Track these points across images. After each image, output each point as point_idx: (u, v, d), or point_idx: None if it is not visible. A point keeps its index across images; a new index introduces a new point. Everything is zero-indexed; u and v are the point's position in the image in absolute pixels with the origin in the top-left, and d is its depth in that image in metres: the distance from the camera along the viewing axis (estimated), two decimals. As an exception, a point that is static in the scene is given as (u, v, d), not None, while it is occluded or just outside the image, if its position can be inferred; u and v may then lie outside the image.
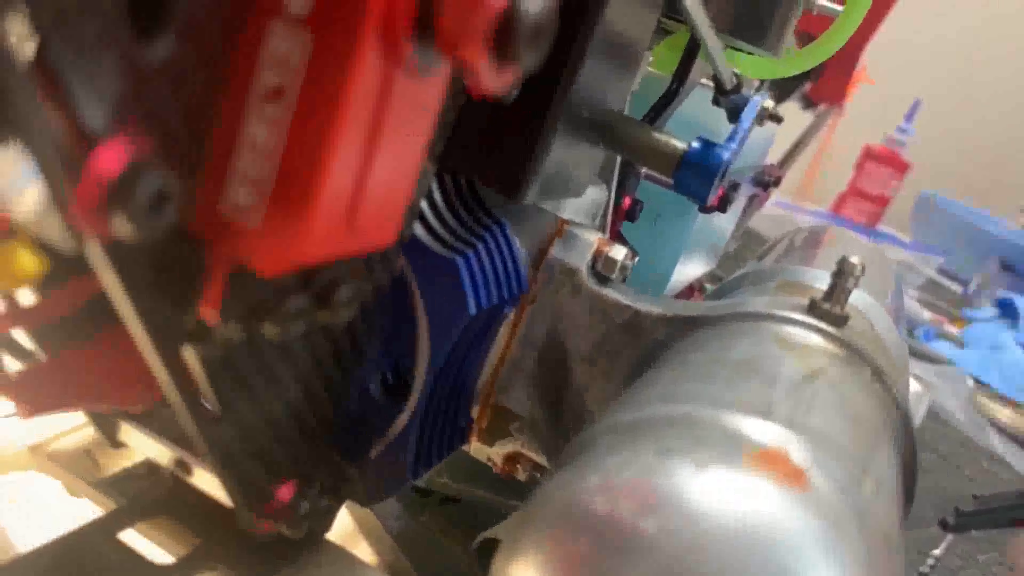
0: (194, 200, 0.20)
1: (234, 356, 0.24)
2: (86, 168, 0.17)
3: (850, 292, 0.36)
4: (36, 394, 0.27)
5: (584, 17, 0.31)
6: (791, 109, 1.43)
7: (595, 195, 0.47)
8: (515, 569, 0.23)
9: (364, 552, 0.60)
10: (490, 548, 0.57)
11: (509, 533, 0.24)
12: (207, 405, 0.25)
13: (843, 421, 0.28)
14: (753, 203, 1.01)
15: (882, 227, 2.43)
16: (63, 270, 0.24)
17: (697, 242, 0.67)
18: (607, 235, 0.52)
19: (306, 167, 0.19)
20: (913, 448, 0.34)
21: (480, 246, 0.34)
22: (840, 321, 0.35)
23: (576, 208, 0.46)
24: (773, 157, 1.42)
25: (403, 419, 0.34)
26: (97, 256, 0.19)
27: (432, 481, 0.63)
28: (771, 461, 0.23)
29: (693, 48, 0.51)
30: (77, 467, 0.36)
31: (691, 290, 0.79)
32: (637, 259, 0.58)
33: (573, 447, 0.27)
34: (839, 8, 0.68)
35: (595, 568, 0.21)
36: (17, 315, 0.26)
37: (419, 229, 0.32)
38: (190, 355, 0.23)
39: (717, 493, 0.22)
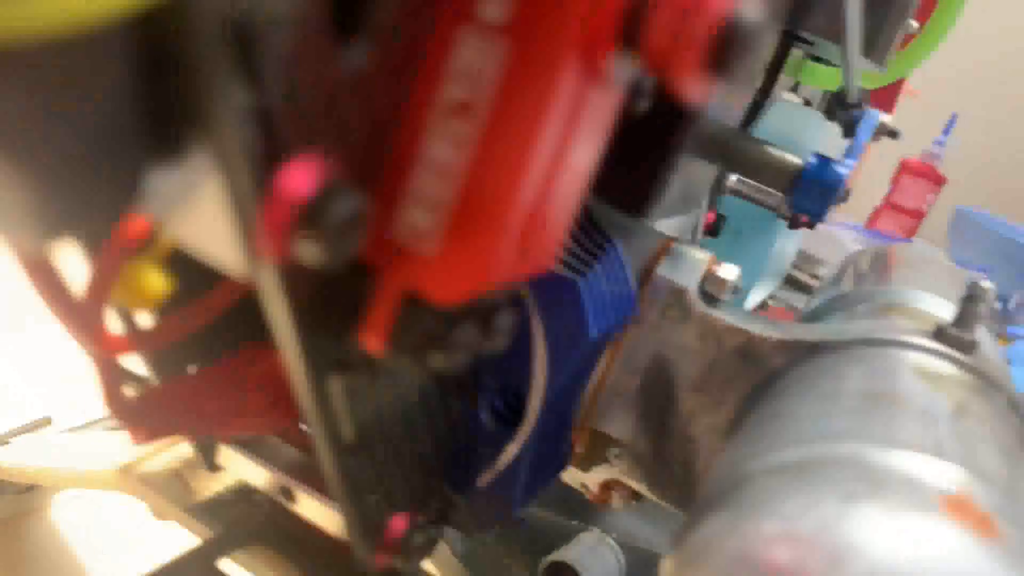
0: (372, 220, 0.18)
1: (375, 387, 0.23)
2: (275, 187, 0.15)
3: (980, 317, 0.34)
4: (151, 420, 0.25)
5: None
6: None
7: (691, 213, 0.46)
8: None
9: (430, 572, 0.58)
10: (556, 570, 0.55)
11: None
12: (345, 435, 0.23)
13: (1002, 459, 0.26)
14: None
15: (917, 241, 2.40)
16: (185, 293, 0.23)
17: (774, 258, 0.65)
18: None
19: (495, 188, 0.18)
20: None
21: (597, 266, 0.32)
22: (970, 347, 0.34)
23: (668, 225, 0.44)
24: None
25: (514, 448, 0.32)
26: (269, 281, 0.17)
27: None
28: (960, 509, 0.21)
29: (778, 61, 0.49)
30: (167, 489, 0.34)
31: (758, 312, 0.77)
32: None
33: (721, 486, 0.25)
34: (915, 24, 0.66)
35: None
36: (146, 336, 0.24)
37: (539, 248, 0.31)
38: (336, 384, 0.21)
39: (916, 547, 0.20)
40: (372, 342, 0.19)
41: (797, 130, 0.57)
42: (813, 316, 0.50)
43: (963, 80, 2.44)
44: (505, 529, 0.61)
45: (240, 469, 0.31)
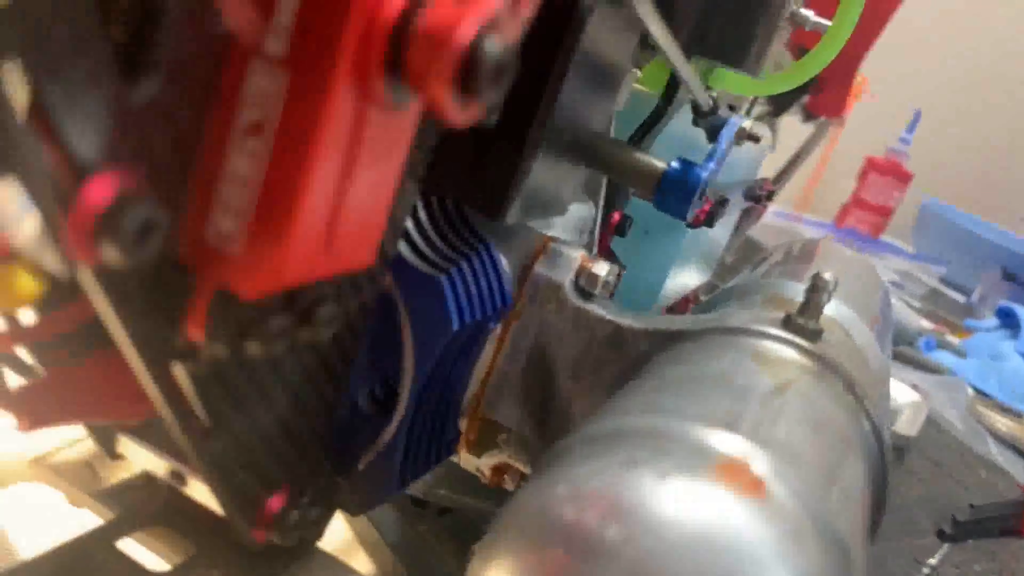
0: (181, 227, 0.21)
1: (224, 372, 0.26)
2: (77, 200, 0.18)
3: (823, 306, 0.37)
4: (36, 408, 0.28)
5: (562, 41, 0.32)
6: (791, 122, 1.45)
7: (582, 212, 0.49)
8: (490, 574, 0.24)
9: (362, 562, 0.61)
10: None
11: (483, 540, 0.25)
12: (199, 419, 0.26)
13: (808, 432, 0.29)
14: (750, 216, 1.02)
15: (885, 237, 2.44)
16: (61, 292, 0.26)
17: (690, 254, 0.68)
18: (595, 250, 0.53)
19: (283, 197, 0.20)
20: (883, 458, 0.35)
21: (464, 264, 0.35)
22: (814, 335, 0.37)
23: (564, 224, 0.47)
24: (773, 168, 1.43)
25: (390, 431, 0.35)
26: (89, 281, 0.20)
27: (430, 492, 0.65)
28: (732, 472, 0.24)
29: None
30: (78, 478, 0.37)
31: (686, 301, 0.80)
32: (624, 273, 0.60)
33: (548, 456, 0.28)
34: (829, 23, 0.70)
35: (563, 572, 0.23)
36: (18, 333, 0.27)
37: (404, 248, 0.33)
38: (179, 372, 0.24)
39: (678, 503, 0.23)
40: (193, 332, 0.22)
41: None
42: (711, 302, 0.53)
43: (926, 76, 2.48)
44: (438, 517, 0.64)
45: (136, 457, 0.34)
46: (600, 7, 0.31)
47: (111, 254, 0.18)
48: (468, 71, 0.19)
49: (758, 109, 1.30)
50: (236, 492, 0.30)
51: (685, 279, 0.71)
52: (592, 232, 0.52)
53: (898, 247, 2.38)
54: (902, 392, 1.26)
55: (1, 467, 0.38)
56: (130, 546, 0.35)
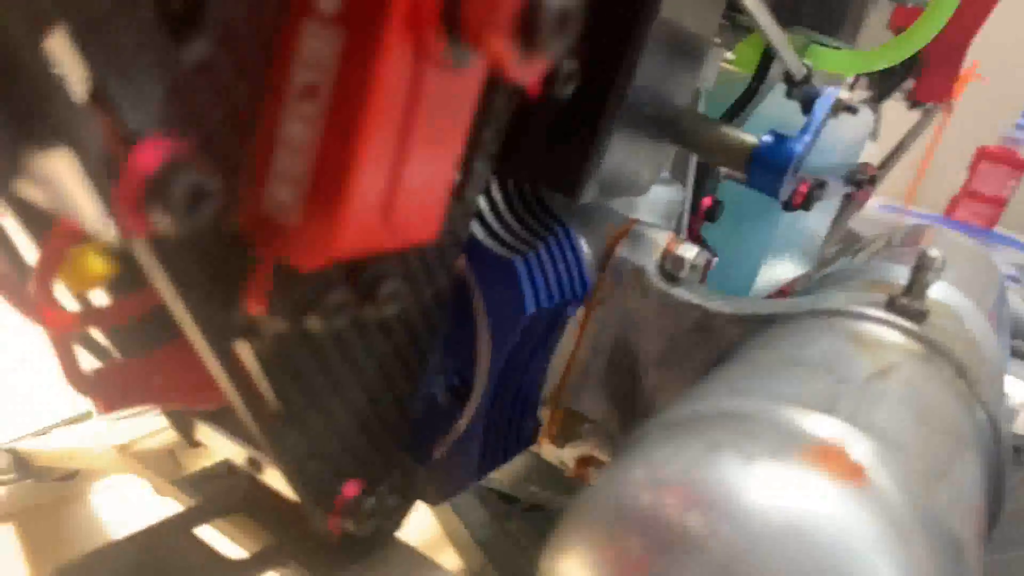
0: (238, 198, 0.21)
1: (291, 353, 0.25)
2: (126, 166, 0.18)
3: (928, 286, 0.34)
4: (111, 391, 0.28)
5: (638, 13, 0.30)
6: (896, 108, 1.38)
7: (671, 195, 0.47)
8: (563, 566, 0.23)
9: (450, 558, 0.61)
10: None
11: (556, 532, 0.24)
12: (268, 403, 0.26)
13: (914, 419, 0.27)
14: (851, 204, 0.97)
15: (999, 229, 2.31)
16: (136, 275, 0.26)
17: (787, 244, 0.65)
18: (684, 235, 0.51)
19: (338, 164, 0.19)
20: (999, 452, 0.32)
21: (542, 247, 0.33)
22: (919, 316, 0.34)
23: (651, 209, 0.45)
24: (877, 156, 1.36)
25: (465, 420, 0.34)
26: (145, 254, 0.20)
27: (518, 487, 0.64)
28: (827, 457, 0.22)
29: (768, 49, 0.50)
30: (161, 466, 0.37)
31: (782, 293, 0.76)
32: (716, 260, 0.57)
33: (625, 443, 0.26)
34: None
35: (641, 565, 0.21)
36: (91, 315, 0.27)
37: (479, 231, 0.32)
38: (244, 349, 0.24)
39: (766, 489, 0.21)
40: (252, 307, 0.21)
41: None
42: (809, 289, 0.50)
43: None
44: (527, 515, 0.63)
45: (215, 444, 0.34)
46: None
47: (162, 222, 0.18)
48: (529, 21, 0.18)
49: (859, 94, 1.25)
50: (310, 479, 0.30)
51: (782, 270, 0.68)
52: (681, 217, 0.50)
53: (1014, 239, 2.25)
54: (1021, 390, 1.18)
55: (91, 456, 0.38)
56: (208, 533, 0.34)
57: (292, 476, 0.29)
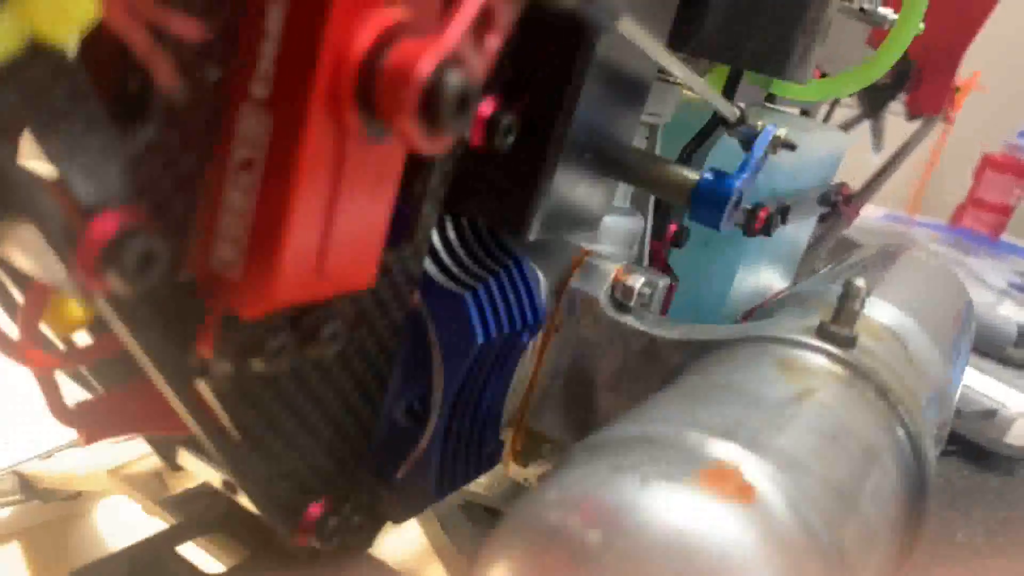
0: (188, 256, 0.23)
1: (248, 388, 0.28)
2: (84, 236, 0.20)
3: (857, 314, 0.36)
4: (93, 423, 0.31)
5: (573, 61, 0.33)
6: (892, 120, 1.40)
7: (630, 224, 0.49)
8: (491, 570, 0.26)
9: (437, 571, 0.63)
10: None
11: (486, 542, 0.26)
12: (229, 433, 0.28)
13: (819, 441, 0.29)
14: (837, 221, 0.99)
15: (1006, 238, 2.31)
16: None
17: (769, 260, 0.67)
18: (646, 262, 0.54)
19: (272, 226, 0.22)
20: (920, 464, 0.34)
21: (492, 280, 0.36)
22: (848, 342, 0.36)
23: (612, 238, 0.48)
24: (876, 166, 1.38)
25: (424, 442, 0.37)
26: (105, 308, 0.23)
27: (504, 503, 0.66)
28: (720, 478, 0.25)
29: (735, 78, 0.52)
30: (148, 488, 0.40)
31: (763, 308, 0.79)
32: (689, 284, 0.60)
33: (554, 463, 0.29)
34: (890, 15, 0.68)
35: (554, 569, 0.24)
36: (75, 355, 0.30)
37: (431, 267, 0.35)
38: (203, 388, 0.27)
39: (658, 508, 0.23)
40: (203, 351, 0.24)
41: (804, 128, 0.60)
42: (765, 311, 0.52)
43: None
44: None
45: (194, 467, 0.37)
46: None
47: (116, 283, 0.21)
48: (431, 104, 0.21)
49: (844, 112, 1.26)
50: (274, 500, 0.32)
51: (762, 287, 0.70)
52: (642, 244, 0.52)
53: (1021, 248, 2.25)
54: (1018, 401, 1.20)
55: (86, 479, 0.41)
56: (191, 550, 0.37)
57: (257, 499, 0.32)
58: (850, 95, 1.02)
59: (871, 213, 2.30)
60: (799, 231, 0.78)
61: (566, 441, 0.43)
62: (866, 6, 0.77)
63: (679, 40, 0.41)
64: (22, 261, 0.23)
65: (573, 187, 0.37)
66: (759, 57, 0.44)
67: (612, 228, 0.46)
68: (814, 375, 0.34)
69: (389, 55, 0.21)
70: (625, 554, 0.23)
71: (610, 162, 0.39)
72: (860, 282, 0.36)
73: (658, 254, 0.56)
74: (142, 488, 0.40)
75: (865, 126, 1.33)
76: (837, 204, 0.75)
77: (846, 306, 0.37)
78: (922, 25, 0.63)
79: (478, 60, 0.22)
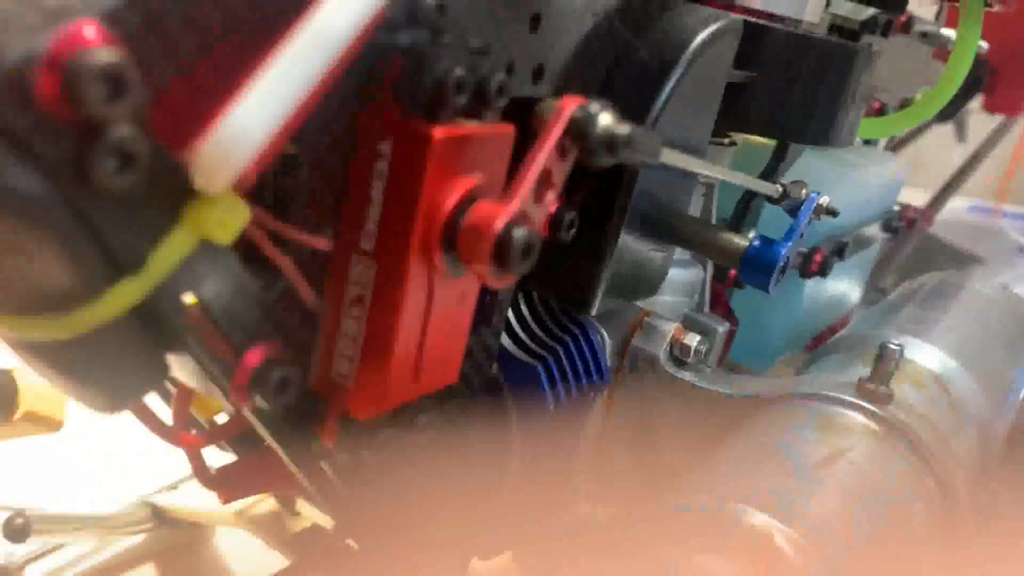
0: (314, 370, 0.29)
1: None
2: (237, 369, 0.26)
3: (891, 374, 0.40)
4: (230, 485, 0.37)
5: (618, 194, 0.38)
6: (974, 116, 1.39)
7: (690, 276, 0.54)
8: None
9: None
10: None
11: None
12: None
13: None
14: (905, 238, 1.01)
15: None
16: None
17: (829, 285, 0.70)
18: (707, 308, 0.58)
19: (380, 348, 0.28)
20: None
21: (560, 350, 0.41)
22: (884, 399, 0.40)
23: (674, 289, 0.52)
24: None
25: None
26: (249, 416, 0.29)
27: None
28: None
29: (782, 149, 0.56)
30: (269, 526, 0.47)
31: (831, 332, 0.82)
32: (753, 321, 0.63)
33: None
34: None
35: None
36: (215, 433, 0.36)
37: (507, 340, 0.40)
38: (327, 467, 0.32)
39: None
40: (326, 443, 0.30)
41: (858, 164, 0.64)
42: (821, 351, 0.56)
43: None
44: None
45: (309, 512, 0.43)
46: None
47: (260, 402, 0.27)
48: (501, 253, 0.26)
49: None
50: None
51: (836, 301, 0.74)
52: (703, 293, 0.56)
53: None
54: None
55: (213, 516, 0.48)
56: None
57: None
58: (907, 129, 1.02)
59: (957, 205, 2.26)
60: (864, 252, 0.81)
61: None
62: (929, 29, 0.80)
63: (727, 122, 0.45)
64: (182, 376, 0.29)
65: (632, 260, 0.41)
66: (805, 131, 0.48)
67: (674, 280, 0.51)
68: (849, 433, 0.38)
69: (468, 215, 0.27)
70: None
71: (666, 233, 0.44)
72: (894, 345, 0.40)
73: (720, 297, 0.60)
74: (264, 527, 0.47)
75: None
76: (899, 230, 0.77)
77: (880, 367, 0.40)
78: (984, 44, 0.65)
79: (539, 213, 0.27)
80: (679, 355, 0.45)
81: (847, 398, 0.40)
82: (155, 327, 0.24)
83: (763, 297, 0.65)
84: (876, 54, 0.50)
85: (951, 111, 1.29)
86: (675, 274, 0.50)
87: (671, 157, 0.34)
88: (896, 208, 0.79)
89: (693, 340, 0.45)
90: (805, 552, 0.29)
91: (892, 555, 0.33)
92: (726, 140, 0.50)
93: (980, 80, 1.27)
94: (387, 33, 0.25)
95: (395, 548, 0.38)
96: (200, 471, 0.36)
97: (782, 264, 0.44)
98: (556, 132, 0.27)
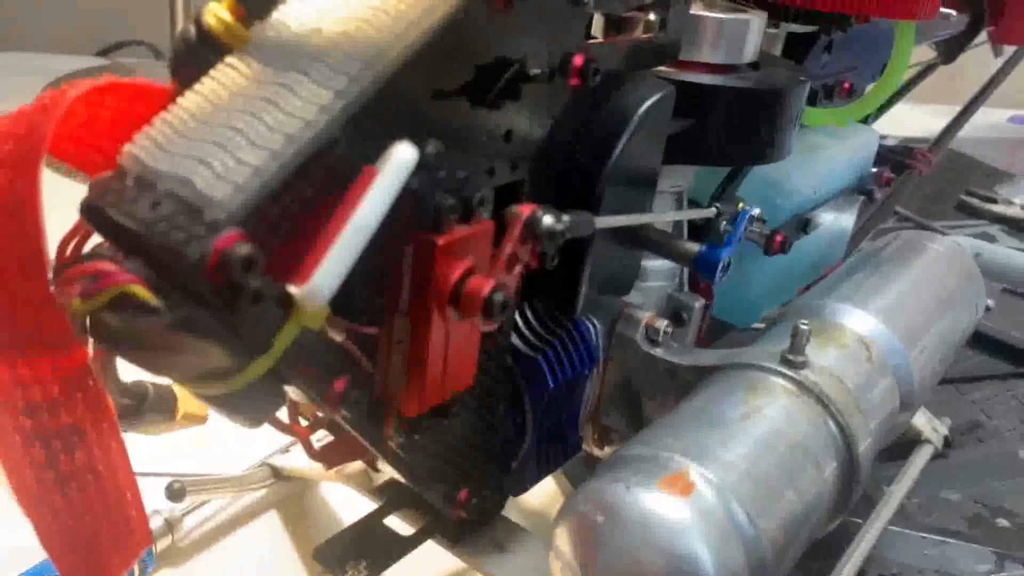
0: (377, 387, 0.45)
1: (417, 441, 0.49)
2: (329, 391, 0.42)
3: (804, 347, 0.54)
4: (329, 457, 0.54)
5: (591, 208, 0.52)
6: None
7: (672, 265, 0.67)
8: (556, 533, 0.46)
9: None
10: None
11: (557, 512, 0.47)
12: (405, 459, 0.50)
13: (756, 447, 0.48)
14: (901, 183, 1.10)
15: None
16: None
17: (802, 251, 0.82)
18: (687, 288, 0.72)
19: (419, 370, 0.43)
20: (851, 461, 0.52)
21: (557, 342, 0.56)
22: (800, 365, 0.54)
23: (658, 273, 0.66)
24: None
25: (525, 446, 0.58)
26: (339, 419, 0.45)
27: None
28: (672, 482, 0.44)
29: (733, 176, 0.68)
30: (360, 480, 0.64)
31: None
32: (733, 290, 0.77)
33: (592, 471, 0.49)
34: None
35: (581, 538, 0.44)
36: (316, 424, 0.53)
37: (516, 339, 0.55)
38: (392, 443, 0.48)
39: (632, 502, 0.43)
40: (388, 431, 0.46)
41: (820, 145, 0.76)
42: (778, 317, 0.70)
43: None
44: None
45: (387, 469, 0.60)
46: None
47: (344, 410, 0.42)
48: (487, 310, 0.41)
49: (924, 63, 1.34)
50: (437, 491, 0.54)
51: (816, 261, 0.87)
52: (682, 277, 0.70)
53: None
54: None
55: (315, 472, 0.65)
56: (392, 521, 0.60)
57: (427, 492, 0.54)
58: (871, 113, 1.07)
59: (994, 118, 2.30)
60: (840, 217, 0.92)
61: (626, 430, 0.62)
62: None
63: (684, 158, 0.58)
64: (295, 395, 0.45)
65: (606, 270, 0.56)
66: (752, 154, 0.61)
67: (658, 269, 0.65)
68: (769, 394, 0.52)
69: (466, 285, 0.41)
70: (615, 529, 0.43)
71: (635, 244, 0.58)
72: (805, 326, 0.54)
73: (696, 279, 0.73)
74: (356, 479, 0.63)
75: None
76: (871, 193, 0.88)
77: (796, 342, 0.54)
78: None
79: (511, 280, 0.42)
80: (651, 336, 0.59)
81: (770, 366, 0.54)
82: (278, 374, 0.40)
83: (742, 260, 0.78)
84: (805, 84, 0.62)
85: (954, 50, 1.36)
86: (659, 264, 0.65)
87: (605, 222, 0.48)
88: (873, 171, 0.90)
89: (662, 324, 0.59)
90: (711, 483, 0.44)
91: (794, 487, 0.47)
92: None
93: (981, 17, 1.33)
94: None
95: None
96: (309, 449, 0.53)
97: (724, 263, 0.58)
98: (517, 230, 0.41)
